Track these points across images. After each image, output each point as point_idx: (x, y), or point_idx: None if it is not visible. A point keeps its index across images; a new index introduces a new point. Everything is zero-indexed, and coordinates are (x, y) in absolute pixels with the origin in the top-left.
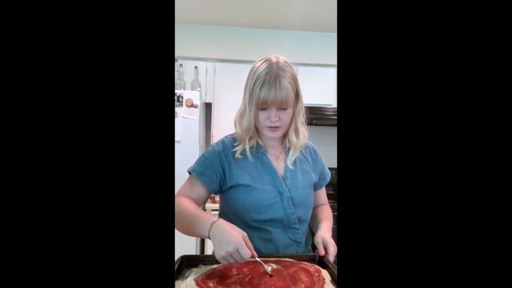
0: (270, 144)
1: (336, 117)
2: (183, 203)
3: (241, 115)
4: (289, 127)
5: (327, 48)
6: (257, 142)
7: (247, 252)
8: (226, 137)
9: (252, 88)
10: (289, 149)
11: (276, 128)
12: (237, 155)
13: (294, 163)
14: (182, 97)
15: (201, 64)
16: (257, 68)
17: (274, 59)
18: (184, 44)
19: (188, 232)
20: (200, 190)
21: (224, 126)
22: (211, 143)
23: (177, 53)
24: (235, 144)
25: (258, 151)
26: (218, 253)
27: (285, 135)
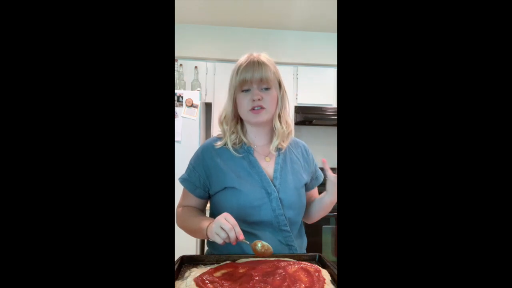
0: (257, 142)
1: (336, 117)
2: (182, 214)
3: (223, 109)
4: (274, 113)
5: (327, 48)
6: (241, 139)
7: (224, 223)
8: (211, 139)
9: (232, 77)
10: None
11: (260, 110)
12: (217, 145)
13: (285, 162)
14: (182, 97)
15: (201, 64)
16: (237, 63)
17: (255, 53)
18: (184, 44)
19: (196, 236)
20: (191, 197)
21: None
22: None
23: (177, 53)
24: (219, 142)
25: (244, 149)
26: (217, 240)
27: (272, 130)
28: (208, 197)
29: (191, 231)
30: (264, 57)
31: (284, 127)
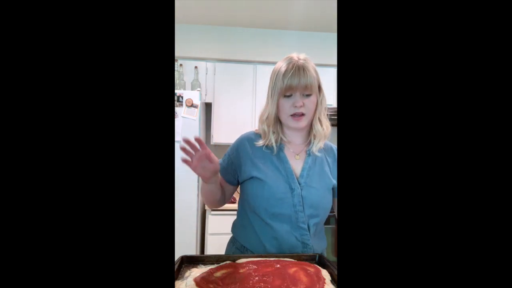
0: (293, 141)
1: (336, 117)
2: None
3: (263, 110)
4: (314, 117)
5: (327, 48)
6: (281, 138)
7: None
8: (249, 131)
9: (275, 81)
10: (310, 142)
11: (300, 116)
12: (259, 145)
13: (314, 163)
14: (182, 97)
15: (201, 64)
16: (279, 66)
17: (295, 56)
18: (184, 44)
19: (208, 196)
20: (222, 179)
21: (224, 126)
22: (211, 143)
23: (177, 53)
24: (259, 139)
25: (277, 146)
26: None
27: (309, 131)
28: (237, 183)
29: (204, 193)
30: (306, 61)
31: (325, 129)
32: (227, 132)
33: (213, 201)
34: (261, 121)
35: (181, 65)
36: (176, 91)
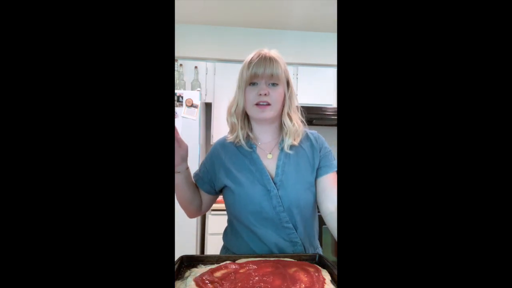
0: (262, 138)
1: (336, 117)
2: None
3: (232, 103)
4: (282, 111)
5: (327, 48)
6: (248, 135)
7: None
8: (222, 136)
9: (242, 71)
10: (282, 140)
11: (266, 106)
12: (229, 139)
13: (288, 157)
14: (182, 97)
15: (201, 64)
16: (248, 58)
17: (265, 49)
18: (184, 44)
19: (183, 196)
20: (200, 190)
21: (224, 126)
22: (211, 143)
23: (177, 53)
24: (227, 139)
25: (248, 146)
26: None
27: (280, 128)
28: (215, 193)
29: (179, 197)
30: (275, 53)
31: (296, 125)
32: (227, 132)
33: (189, 208)
34: (229, 113)
35: (181, 65)
36: (176, 91)
